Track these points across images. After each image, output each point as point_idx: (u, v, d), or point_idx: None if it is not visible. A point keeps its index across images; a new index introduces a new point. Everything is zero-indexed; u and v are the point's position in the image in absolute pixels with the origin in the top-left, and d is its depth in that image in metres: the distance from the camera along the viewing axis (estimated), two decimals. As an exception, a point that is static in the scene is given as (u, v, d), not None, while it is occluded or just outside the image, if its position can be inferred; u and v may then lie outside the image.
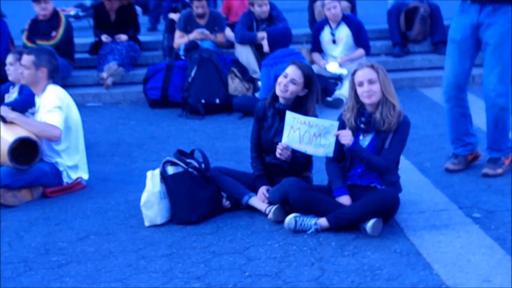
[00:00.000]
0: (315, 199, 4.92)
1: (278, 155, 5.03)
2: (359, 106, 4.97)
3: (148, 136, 7.62)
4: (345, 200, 4.93)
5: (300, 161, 5.15)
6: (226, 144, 7.20)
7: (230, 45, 9.44)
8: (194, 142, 7.30)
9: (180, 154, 5.37)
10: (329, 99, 8.39)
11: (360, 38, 8.85)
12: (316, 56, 8.93)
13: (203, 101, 8.32)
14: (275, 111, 5.25)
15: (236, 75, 8.54)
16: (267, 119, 5.32)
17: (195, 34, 9.01)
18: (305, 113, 5.11)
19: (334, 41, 8.87)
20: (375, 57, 9.44)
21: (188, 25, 9.12)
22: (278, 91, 5.19)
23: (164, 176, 5.21)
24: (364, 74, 4.88)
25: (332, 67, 8.69)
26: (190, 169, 5.23)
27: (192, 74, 8.42)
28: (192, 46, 8.84)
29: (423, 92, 9.07)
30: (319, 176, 5.60)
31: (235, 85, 8.49)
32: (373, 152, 4.92)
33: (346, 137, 4.83)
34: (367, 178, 5.01)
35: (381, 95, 4.89)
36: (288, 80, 5.15)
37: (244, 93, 8.52)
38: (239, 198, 5.29)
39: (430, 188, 5.61)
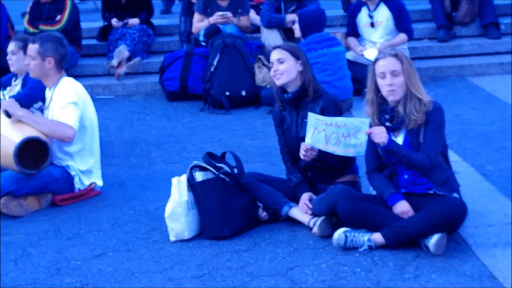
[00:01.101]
0: (368, 211, 4.61)
1: (302, 157, 4.75)
2: (381, 101, 4.64)
3: (167, 134, 7.32)
4: (403, 206, 4.59)
5: (333, 155, 4.80)
6: (256, 143, 6.91)
7: (254, 29, 9.18)
8: (219, 141, 7.02)
9: (210, 157, 5.05)
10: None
11: (402, 21, 8.53)
12: (352, 41, 8.59)
13: (227, 93, 8.05)
14: (287, 104, 5.00)
15: (264, 64, 8.22)
16: (285, 119, 5.09)
17: (216, 17, 8.71)
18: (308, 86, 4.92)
19: (372, 25, 8.55)
20: (417, 42, 9.09)
21: (208, 7, 8.83)
22: (277, 81, 5.02)
23: (192, 184, 4.92)
24: (387, 64, 4.57)
25: (371, 54, 8.32)
26: (221, 175, 4.94)
27: (215, 62, 8.14)
28: (213, 31, 8.55)
29: (473, 81, 8.71)
30: (366, 182, 5.23)
31: (262, 75, 8.17)
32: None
33: (380, 134, 4.49)
34: (420, 183, 4.68)
35: (406, 88, 4.55)
36: (276, 63, 4.99)
37: (273, 84, 8.12)
38: (278, 208, 5.01)
39: (496, 196, 5.29)
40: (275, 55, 5.00)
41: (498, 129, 6.80)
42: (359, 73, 8.12)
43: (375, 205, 4.63)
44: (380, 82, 4.59)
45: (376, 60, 4.62)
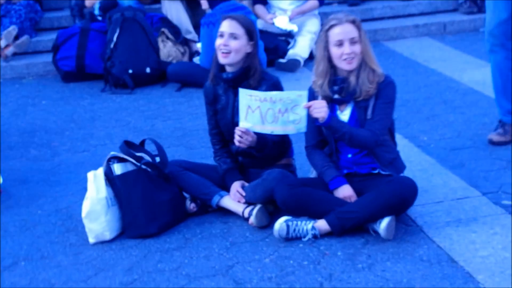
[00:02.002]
0: (310, 197, 4.35)
1: (237, 143, 4.43)
2: (332, 71, 4.39)
3: (67, 119, 6.88)
4: (346, 191, 4.37)
5: (271, 142, 4.55)
6: (168, 124, 6.57)
7: (153, 0, 8.85)
8: (127, 125, 6.64)
9: (128, 146, 4.67)
10: (282, 60, 7.83)
11: (313, -15, 8.28)
12: (259, 8, 8.32)
13: (130, 71, 7.67)
14: (225, 84, 4.66)
15: (168, 37, 7.88)
16: (220, 99, 4.73)
17: None
18: (251, 70, 4.58)
19: None
20: (326, 7, 8.88)
21: None
22: (220, 57, 4.59)
23: (110, 178, 4.55)
24: (345, 31, 4.31)
25: (281, 22, 8.13)
26: (143, 166, 4.57)
27: (114, 38, 7.73)
28: (110, 4, 8.18)
29: (388, 46, 8.60)
30: (301, 161, 4.99)
31: (167, 49, 7.84)
32: (356, 127, 4.37)
33: (320, 109, 4.22)
34: (364, 162, 4.46)
35: (364, 55, 4.34)
36: (227, 37, 4.56)
37: (179, 58, 7.90)
38: (207, 198, 4.70)
39: (438, 169, 5.12)
40: (229, 27, 4.57)
41: (424, 96, 6.69)
42: (271, 42, 7.93)
43: (317, 190, 4.37)
44: (335, 50, 4.31)
45: (331, 26, 4.33)
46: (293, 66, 7.75)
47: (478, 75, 7.08)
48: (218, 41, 4.58)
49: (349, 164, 4.46)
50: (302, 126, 4.27)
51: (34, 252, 4.46)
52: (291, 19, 8.10)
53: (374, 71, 4.32)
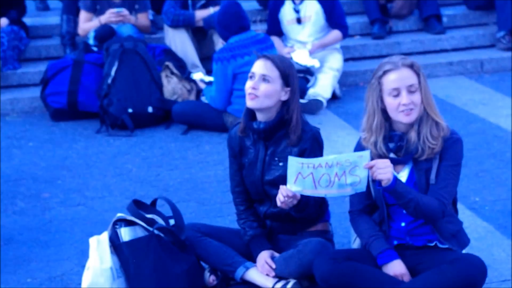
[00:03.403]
0: (355, 273, 4.00)
1: (279, 204, 4.09)
2: (387, 126, 4.07)
3: (58, 166, 6.54)
4: (397, 267, 4.02)
5: (313, 201, 4.24)
6: (175, 174, 6.24)
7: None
8: (128, 173, 6.32)
9: (137, 206, 4.34)
10: (302, 101, 7.44)
11: (335, 15, 8.05)
12: (275, 41, 8.00)
13: (130, 110, 7.36)
14: (255, 135, 4.35)
15: (172, 72, 7.61)
16: (247, 152, 4.42)
17: (109, 16, 8.10)
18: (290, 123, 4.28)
19: (299, 20, 8.05)
20: (348, 40, 8.63)
21: (97, 3, 8.23)
22: (247, 99, 4.31)
23: (116, 244, 4.25)
24: (402, 78, 3.98)
25: (301, 57, 7.83)
26: (156, 231, 4.25)
27: (112, 72, 7.43)
28: (106, 33, 7.93)
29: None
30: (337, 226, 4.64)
31: (172, 86, 7.57)
32: None
33: (385, 169, 3.88)
34: (420, 233, 4.11)
35: (426, 106, 4.01)
36: (258, 79, 4.29)
37: (186, 97, 7.62)
38: (230, 270, 4.38)
39: (498, 238, 4.81)
40: (261, 67, 4.31)
41: (469, 147, 6.30)
42: (289, 81, 7.60)
43: (364, 265, 4.02)
44: (390, 101, 3.97)
45: (384, 72, 3.99)
46: (315, 107, 7.45)
47: (525, 123, 6.78)
48: (248, 83, 4.30)
49: (401, 234, 4.11)
50: (362, 186, 3.95)
51: (25, 333, 4.08)
52: (311, 53, 7.80)
53: (437, 124, 3.99)
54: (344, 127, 7.10)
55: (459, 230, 4.11)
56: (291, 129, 4.24)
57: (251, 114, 4.34)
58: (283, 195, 4.02)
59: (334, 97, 7.77)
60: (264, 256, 4.33)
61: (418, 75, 3.98)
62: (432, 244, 4.08)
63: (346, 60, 8.29)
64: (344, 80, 8.22)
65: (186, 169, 6.30)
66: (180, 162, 6.49)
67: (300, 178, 3.96)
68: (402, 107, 3.94)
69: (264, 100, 4.24)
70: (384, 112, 4.01)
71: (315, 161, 3.94)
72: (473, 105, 7.44)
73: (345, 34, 8.12)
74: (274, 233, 4.48)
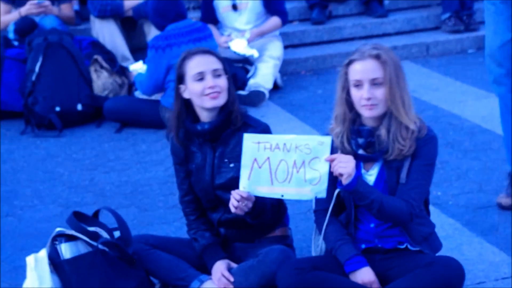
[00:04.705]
0: (323, 284, 3.78)
1: (233, 210, 3.90)
2: (354, 117, 3.89)
3: (-19, 172, 6.26)
4: (366, 275, 3.83)
5: (270, 205, 4.05)
6: (112, 177, 6.01)
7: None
8: (60, 178, 6.08)
9: (78, 219, 4.11)
10: (242, 93, 7.33)
11: (273, 0, 7.90)
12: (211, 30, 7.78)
13: (57, 108, 7.14)
14: (199, 138, 4.15)
15: (102, 66, 7.38)
16: (194, 157, 4.22)
17: (29, 7, 7.88)
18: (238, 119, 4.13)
19: (235, 7, 7.90)
20: (287, 26, 8.46)
21: None
22: (209, 101, 4.07)
23: (56, 262, 4.02)
24: (365, 69, 3.80)
25: (238, 46, 7.67)
26: (101, 246, 4.02)
27: (37, 68, 7.19)
28: (27, 26, 7.71)
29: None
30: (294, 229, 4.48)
31: (102, 81, 7.38)
32: (384, 192, 3.86)
33: (347, 163, 3.70)
34: (390, 235, 3.92)
35: (389, 104, 3.80)
36: (211, 76, 4.07)
37: (117, 92, 7.43)
38: (183, 285, 4.17)
39: (467, 236, 4.66)
40: (208, 63, 4.09)
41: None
42: (227, 71, 7.43)
43: (332, 275, 3.83)
44: (353, 92, 3.80)
45: (350, 61, 3.82)
46: (256, 99, 7.28)
47: (482, 108, 6.69)
48: (199, 86, 4.05)
49: (370, 237, 3.93)
50: (322, 189, 3.74)
51: None
52: (249, 42, 7.61)
53: (407, 128, 3.78)
54: (289, 119, 6.93)
55: (431, 233, 3.95)
56: (233, 122, 4.09)
57: (192, 116, 4.14)
58: (236, 199, 3.83)
59: (275, 87, 7.62)
60: (220, 268, 4.11)
61: (385, 68, 3.77)
62: (403, 247, 3.91)
63: (285, 47, 8.13)
64: (285, 68, 8.07)
65: (123, 171, 6.08)
66: (115, 163, 6.28)
67: (255, 169, 3.78)
68: (363, 101, 3.76)
69: (224, 95, 4.07)
70: (351, 103, 3.83)
71: (272, 139, 3.79)
72: (423, 92, 7.32)
73: (285, 21, 7.99)
74: (229, 242, 4.27)
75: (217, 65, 4.08)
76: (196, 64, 4.07)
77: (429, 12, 9.02)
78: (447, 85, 7.55)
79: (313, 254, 4.12)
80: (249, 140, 3.80)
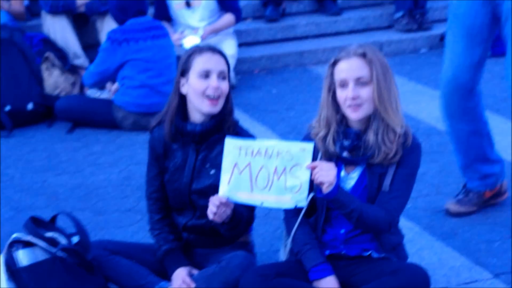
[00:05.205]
0: (288, 291, 3.76)
1: (211, 217, 3.82)
2: (340, 119, 3.84)
3: None
4: (330, 284, 3.81)
5: (246, 217, 4.02)
6: (64, 179, 5.91)
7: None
8: (11, 180, 5.95)
9: (36, 224, 4.05)
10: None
11: (226, -3, 7.94)
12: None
13: (7, 107, 7.03)
14: (186, 138, 4.08)
15: (53, 64, 7.29)
16: (174, 156, 4.13)
17: None
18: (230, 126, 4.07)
19: (188, 4, 7.91)
20: (239, 24, 8.42)
21: None
22: (207, 105, 3.96)
23: (13, 270, 3.93)
24: (350, 68, 3.74)
25: (192, 43, 7.57)
26: (59, 253, 3.95)
27: (-15, 66, 7.09)
28: None
29: (318, 71, 8.15)
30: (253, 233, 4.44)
31: (54, 79, 7.33)
32: (363, 197, 3.83)
33: (328, 172, 3.67)
34: (357, 241, 3.91)
35: (377, 104, 3.76)
36: (216, 77, 3.95)
37: (69, 91, 7.38)
38: None
39: (427, 240, 4.68)
40: (216, 62, 3.98)
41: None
42: (180, 69, 7.39)
43: (295, 281, 3.80)
44: (339, 92, 3.76)
45: (335, 60, 3.77)
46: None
47: (437, 109, 6.62)
48: (203, 84, 3.93)
49: (336, 242, 3.90)
50: (302, 197, 3.72)
51: None
52: (203, 39, 7.58)
53: (394, 131, 3.76)
54: (244, 120, 6.82)
55: (400, 243, 3.95)
56: (225, 127, 4.01)
57: (182, 114, 4.05)
58: (215, 205, 3.76)
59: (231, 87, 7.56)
60: (181, 274, 4.05)
61: (371, 67, 3.70)
62: (367, 254, 3.90)
63: (239, 45, 8.12)
64: (238, 67, 8.06)
65: (76, 173, 5.99)
66: (68, 165, 6.17)
67: (235, 174, 3.74)
68: (348, 101, 3.73)
69: (222, 101, 3.99)
70: (337, 104, 3.80)
71: (254, 145, 3.74)
72: (377, 92, 7.33)
73: (238, 18, 8.00)
74: (190, 247, 4.21)
75: (224, 67, 3.99)
76: (205, 61, 3.95)
77: (382, 11, 9.10)
78: (401, 85, 7.37)
79: (283, 254, 4.08)
80: (231, 145, 3.76)
